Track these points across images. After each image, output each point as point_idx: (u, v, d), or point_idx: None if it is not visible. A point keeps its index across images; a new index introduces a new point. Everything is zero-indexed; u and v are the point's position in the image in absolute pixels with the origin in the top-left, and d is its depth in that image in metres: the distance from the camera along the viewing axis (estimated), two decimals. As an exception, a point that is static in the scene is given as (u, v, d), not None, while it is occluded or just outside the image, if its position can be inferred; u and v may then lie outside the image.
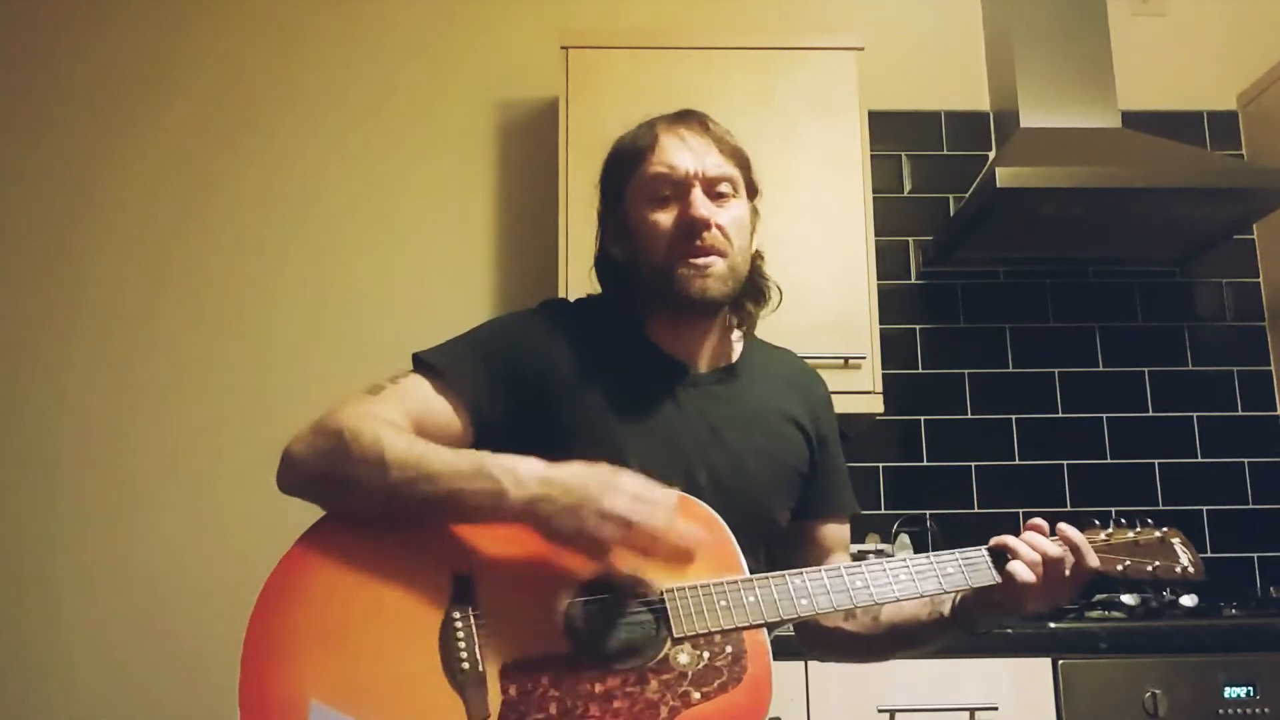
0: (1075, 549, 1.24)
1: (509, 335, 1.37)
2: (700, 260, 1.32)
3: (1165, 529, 1.35)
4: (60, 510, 2.53)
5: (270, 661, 1.09)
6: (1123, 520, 1.34)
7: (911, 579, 1.22)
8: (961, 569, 1.23)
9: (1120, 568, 1.28)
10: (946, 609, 1.31)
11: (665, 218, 1.33)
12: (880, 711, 1.93)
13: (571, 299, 1.50)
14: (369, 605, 1.12)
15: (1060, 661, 1.96)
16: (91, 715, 2.42)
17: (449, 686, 1.09)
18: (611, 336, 1.39)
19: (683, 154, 1.35)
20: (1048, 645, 1.98)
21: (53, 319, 2.63)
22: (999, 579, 1.22)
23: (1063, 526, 1.26)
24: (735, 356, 1.44)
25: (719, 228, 1.33)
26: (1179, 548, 1.33)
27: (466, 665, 1.10)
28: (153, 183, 2.71)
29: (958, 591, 1.26)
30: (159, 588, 2.48)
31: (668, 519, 1.10)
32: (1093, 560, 1.24)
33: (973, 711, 1.93)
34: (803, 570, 1.21)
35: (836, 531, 1.49)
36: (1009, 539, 1.24)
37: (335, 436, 1.17)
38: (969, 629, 1.30)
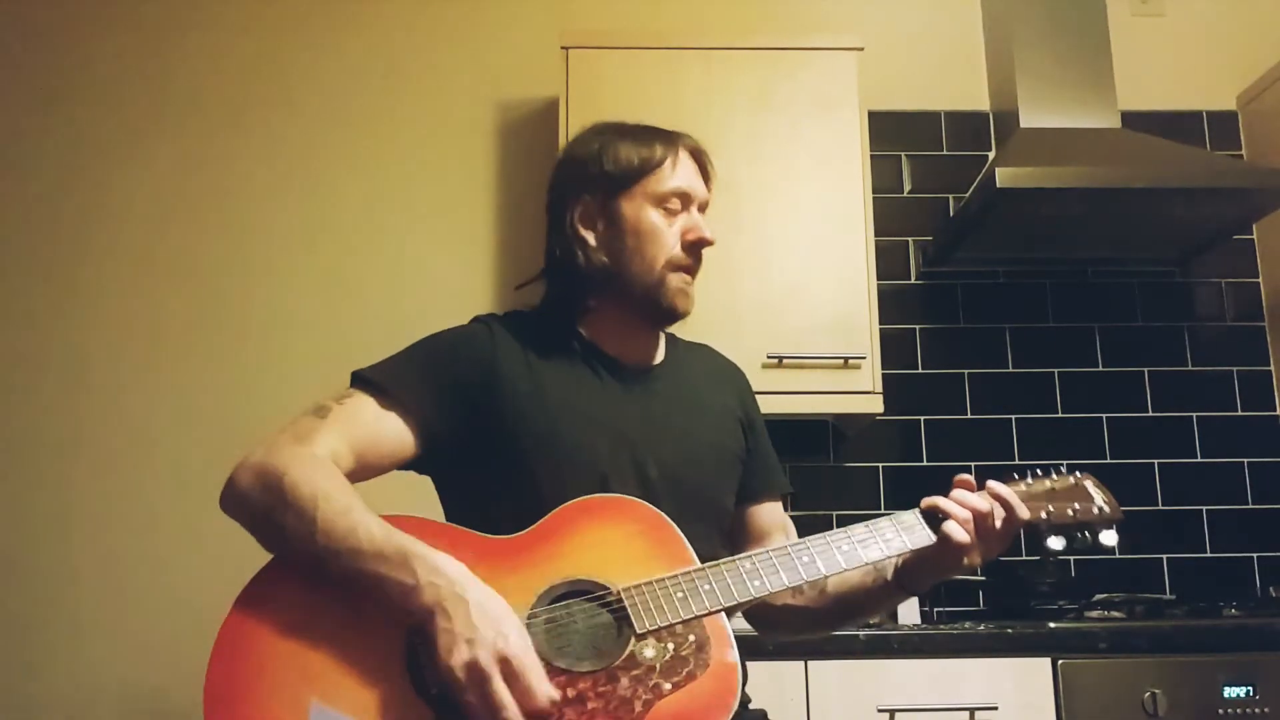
0: (1005, 503, 1.30)
1: (450, 348, 1.38)
2: (690, 277, 1.41)
3: (1078, 474, 1.41)
4: (73, 513, 2.53)
5: (234, 708, 1.09)
6: (1038, 471, 1.40)
7: (854, 548, 1.27)
8: (900, 534, 1.29)
9: (1044, 514, 1.35)
10: (889, 574, 1.35)
11: (671, 229, 1.39)
12: (880, 711, 1.93)
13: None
14: (331, 641, 1.12)
15: (1060, 661, 1.96)
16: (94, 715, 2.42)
17: (422, 708, 1.09)
18: (550, 341, 1.41)
19: (696, 178, 1.43)
20: (1048, 645, 1.98)
21: (60, 326, 2.62)
22: (935, 538, 1.28)
23: (991, 483, 1.32)
24: (662, 353, 1.49)
25: None
26: (1092, 489, 1.40)
27: (436, 689, 1.09)
28: (155, 184, 2.70)
29: (900, 556, 1.31)
30: (172, 588, 2.48)
31: (517, 715, 1.05)
32: (1023, 512, 1.30)
33: (973, 711, 1.93)
34: (751, 553, 1.25)
35: (773, 511, 1.54)
36: (939, 499, 1.30)
37: (277, 480, 1.17)
38: (912, 590, 1.35)
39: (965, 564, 1.28)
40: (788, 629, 1.56)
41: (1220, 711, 1.92)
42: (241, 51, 2.79)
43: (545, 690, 1.08)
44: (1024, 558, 2.55)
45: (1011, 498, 1.30)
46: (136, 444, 2.56)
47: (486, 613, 1.08)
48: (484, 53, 2.81)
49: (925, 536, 1.28)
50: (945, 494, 1.32)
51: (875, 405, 2.34)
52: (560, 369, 1.38)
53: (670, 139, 1.42)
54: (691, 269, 1.41)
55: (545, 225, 1.48)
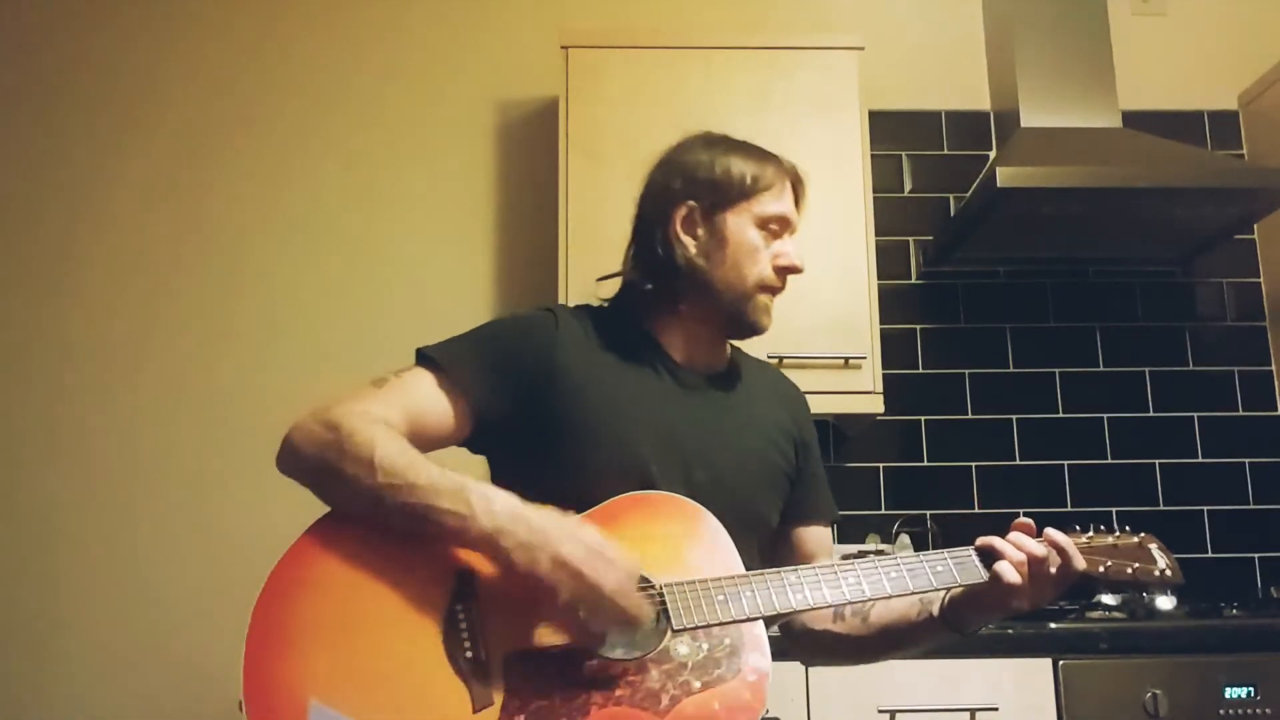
0: (1062, 551, 1.27)
1: (513, 333, 1.40)
2: (775, 299, 1.44)
3: (1142, 534, 1.39)
4: (61, 512, 2.53)
5: (275, 648, 1.10)
6: (1101, 526, 1.38)
7: (903, 576, 1.26)
8: (951, 567, 1.27)
9: (1102, 569, 1.32)
10: (936, 609, 1.33)
11: (767, 250, 1.42)
12: (881, 712, 1.93)
13: (570, 302, 1.51)
14: (373, 598, 1.14)
15: (1061, 662, 1.96)
16: (90, 716, 2.42)
17: (453, 674, 1.11)
18: (615, 338, 1.42)
19: (794, 208, 1.47)
20: (1048, 645, 1.98)
21: (52, 321, 2.63)
22: (986, 576, 1.26)
23: (1050, 531, 1.29)
24: (726, 363, 1.50)
25: None
26: (1156, 552, 1.37)
27: (470, 654, 1.12)
28: (151, 183, 2.71)
29: (947, 590, 1.29)
30: (159, 588, 2.48)
31: (619, 581, 1.12)
32: (1080, 563, 1.28)
33: (973, 712, 1.93)
34: (798, 567, 1.25)
35: (820, 535, 1.53)
36: (995, 540, 1.28)
37: (333, 430, 1.20)
38: (958, 629, 1.32)
39: (1014, 606, 1.26)
40: (828, 656, 1.56)
41: (1221, 712, 1.92)
42: (238, 50, 2.79)
43: (627, 555, 1.13)
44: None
45: (1069, 547, 1.27)
46: (126, 444, 2.56)
47: (547, 518, 1.14)
48: (484, 53, 2.81)
49: (977, 573, 1.26)
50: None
51: (876, 405, 2.34)
52: (620, 365, 1.39)
53: (779, 163, 1.46)
54: (777, 291, 1.44)
55: (634, 221, 1.48)
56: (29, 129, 2.73)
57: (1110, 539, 1.36)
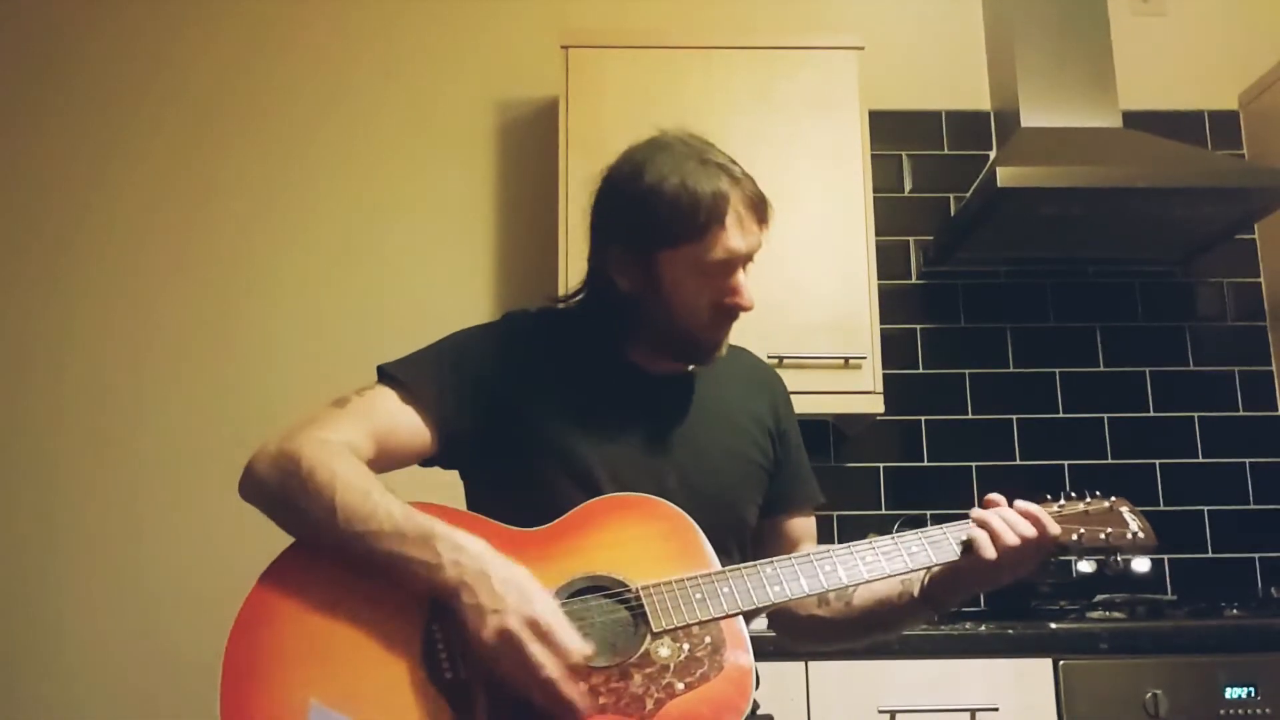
0: (1036, 521, 1.27)
1: (475, 346, 1.37)
2: (728, 333, 1.37)
3: (1113, 498, 1.39)
4: (60, 515, 2.53)
5: (253, 684, 1.09)
6: (1072, 493, 1.38)
7: (879, 560, 1.26)
8: (926, 547, 1.27)
9: (1075, 536, 1.32)
10: (916, 590, 1.33)
11: (709, 292, 1.32)
12: (881, 712, 1.93)
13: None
14: (349, 622, 1.13)
15: (1061, 662, 1.96)
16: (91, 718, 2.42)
17: (436, 693, 1.10)
18: (580, 344, 1.40)
19: (745, 236, 1.31)
20: (1048, 645, 1.98)
21: (52, 325, 2.63)
22: (960, 553, 1.26)
23: (1020, 503, 1.29)
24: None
25: None
26: (1128, 515, 1.37)
27: (450, 674, 1.11)
28: (151, 183, 2.71)
29: (925, 569, 1.30)
30: (158, 591, 2.48)
31: (557, 670, 1.07)
32: (1053, 529, 1.28)
33: (973, 712, 1.93)
34: (774, 559, 1.25)
35: (803, 524, 1.52)
36: (969, 515, 1.28)
37: (294, 464, 1.18)
38: (938, 607, 1.33)
39: (993, 581, 1.27)
40: (813, 639, 1.55)
41: (1221, 712, 1.92)
42: (238, 49, 2.79)
43: (578, 645, 1.09)
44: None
45: (1041, 515, 1.27)
46: (126, 445, 2.56)
47: (510, 582, 1.10)
48: (484, 53, 2.81)
49: (952, 551, 1.27)
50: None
51: (876, 405, 2.34)
52: (586, 373, 1.37)
53: (723, 196, 1.28)
54: (729, 327, 1.36)
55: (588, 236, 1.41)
56: (28, 131, 2.72)
57: (1082, 505, 1.36)
